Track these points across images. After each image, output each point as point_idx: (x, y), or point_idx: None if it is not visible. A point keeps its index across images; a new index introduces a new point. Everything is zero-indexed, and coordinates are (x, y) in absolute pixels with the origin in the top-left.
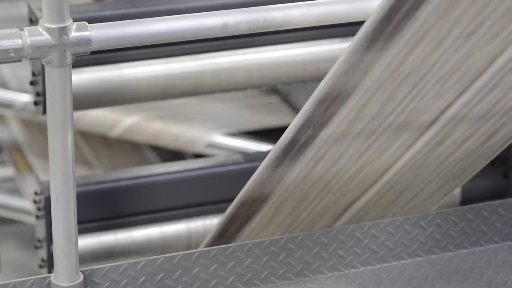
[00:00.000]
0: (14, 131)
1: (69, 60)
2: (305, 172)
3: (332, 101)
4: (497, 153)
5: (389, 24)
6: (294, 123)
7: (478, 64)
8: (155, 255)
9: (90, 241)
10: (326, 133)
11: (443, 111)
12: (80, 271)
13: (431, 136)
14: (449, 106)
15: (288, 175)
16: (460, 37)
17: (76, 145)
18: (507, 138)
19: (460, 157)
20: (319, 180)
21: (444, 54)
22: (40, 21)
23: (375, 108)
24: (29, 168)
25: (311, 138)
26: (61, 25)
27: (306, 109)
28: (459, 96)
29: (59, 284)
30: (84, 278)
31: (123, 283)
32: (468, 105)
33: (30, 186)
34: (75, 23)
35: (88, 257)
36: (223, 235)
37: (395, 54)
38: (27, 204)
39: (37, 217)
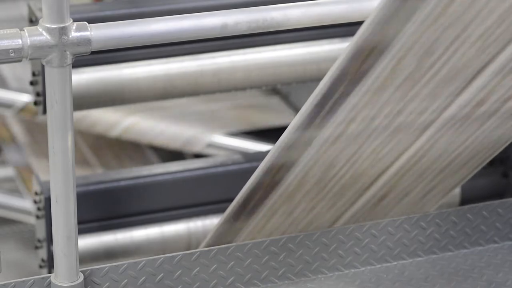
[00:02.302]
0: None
1: (69, 60)
2: (336, 135)
3: (367, 55)
4: (497, 153)
5: (322, 110)
6: (292, 123)
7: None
8: (155, 255)
9: (90, 241)
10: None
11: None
12: (80, 271)
13: (428, 137)
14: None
15: (318, 137)
16: (389, 116)
17: (76, 145)
18: (506, 138)
19: (460, 156)
20: (349, 145)
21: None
22: (40, 21)
23: (408, 69)
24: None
25: (288, 165)
26: (61, 25)
27: (338, 64)
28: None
29: (59, 284)
30: (84, 278)
31: (123, 283)
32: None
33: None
34: (75, 23)
35: (88, 257)
36: (247, 204)
37: (333, 130)
38: (27, 204)
39: (37, 217)
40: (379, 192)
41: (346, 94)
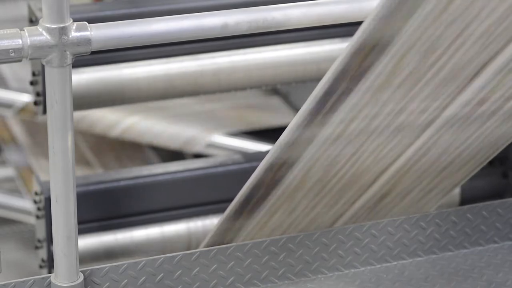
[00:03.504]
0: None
1: (69, 60)
2: (337, 133)
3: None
4: (497, 153)
5: (324, 107)
6: (294, 121)
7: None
8: (155, 255)
9: (90, 241)
10: (325, 132)
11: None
12: (80, 271)
13: (427, 136)
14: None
15: (319, 135)
16: (390, 114)
17: (76, 145)
18: (506, 138)
19: (460, 156)
20: (350, 143)
21: (378, 127)
22: (40, 21)
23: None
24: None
25: (290, 163)
26: (61, 25)
27: (307, 106)
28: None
29: (59, 284)
30: (84, 278)
31: (123, 283)
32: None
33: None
34: (75, 23)
35: (88, 257)
36: (248, 202)
37: (334, 128)
38: (27, 204)
39: (37, 217)
40: (380, 192)
41: (348, 92)
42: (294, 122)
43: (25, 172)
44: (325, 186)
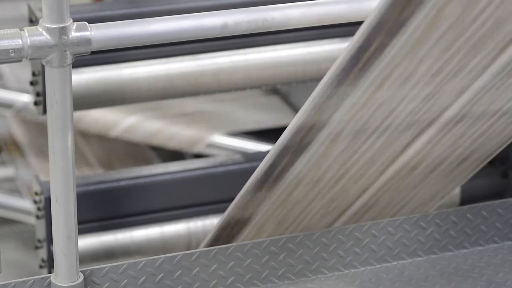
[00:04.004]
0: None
1: (69, 60)
2: (320, 154)
3: (308, 131)
4: (497, 153)
5: (358, 63)
6: (270, 153)
7: (445, 99)
8: (155, 255)
9: (90, 241)
10: (324, 133)
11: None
12: (80, 271)
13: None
14: (406, 149)
15: (345, 101)
16: (427, 74)
17: (76, 145)
18: (506, 138)
19: (460, 157)
20: (332, 164)
21: (412, 90)
22: (40, 21)
23: (343, 145)
24: (23, 156)
25: (289, 164)
26: (61, 25)
27: (284, 137)
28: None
29: (59, 284)
30: (84, 278)
31: (123, 283)
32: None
33: (26, 174)
34: (75, 23)
35: (88, 257)
36: (272, 171)
37: (364, 89)
38: (27, 204)
39: (37, 217)
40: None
41: (383, 46)
42: (323, 83)
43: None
44: (353, 154)
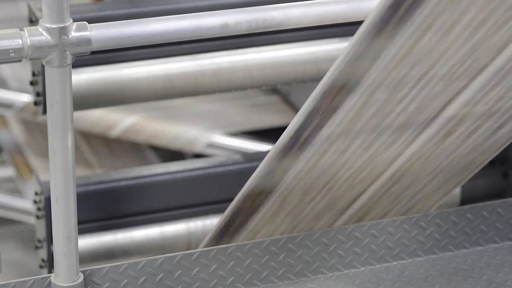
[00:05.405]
0: (15, 133)
1: (69, 60)
2: (310, 165)
3: (338, 92)
4: (498, 152)
5: (397, 12)
6: (299, 115)
7: (486, 54)
8: (155, 255)
9: (90, 241)
10: (328, 128)
11: (443, 109)
12: (80, 271)
13: (433, 132)
14: (448, 103)
15: (293, 167)
16: (469, 26)
17: (76, 145)
18: (506, 138)
19: (462, 154)
20: (324, 173)
21: (453, 44)
22: (40, 21)
23: (378, 102)
24: (30, 170)
25: (318, 128)
26: (61, 25)
27: (311, 99)
28: (460, 92)
29: (59, 284)
30: (84, 278)
31: (123, 283)
32: (468, 104)
33: (31, 188)
34: (75, 23)
35: (88, 257)
36: (227, 230)
37: (403, 41)
38: (27, 204)
39: (37, 217)
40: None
41: (319, 127)
42: (359, 32)
43: (15, 153)
44: (329, 182)
